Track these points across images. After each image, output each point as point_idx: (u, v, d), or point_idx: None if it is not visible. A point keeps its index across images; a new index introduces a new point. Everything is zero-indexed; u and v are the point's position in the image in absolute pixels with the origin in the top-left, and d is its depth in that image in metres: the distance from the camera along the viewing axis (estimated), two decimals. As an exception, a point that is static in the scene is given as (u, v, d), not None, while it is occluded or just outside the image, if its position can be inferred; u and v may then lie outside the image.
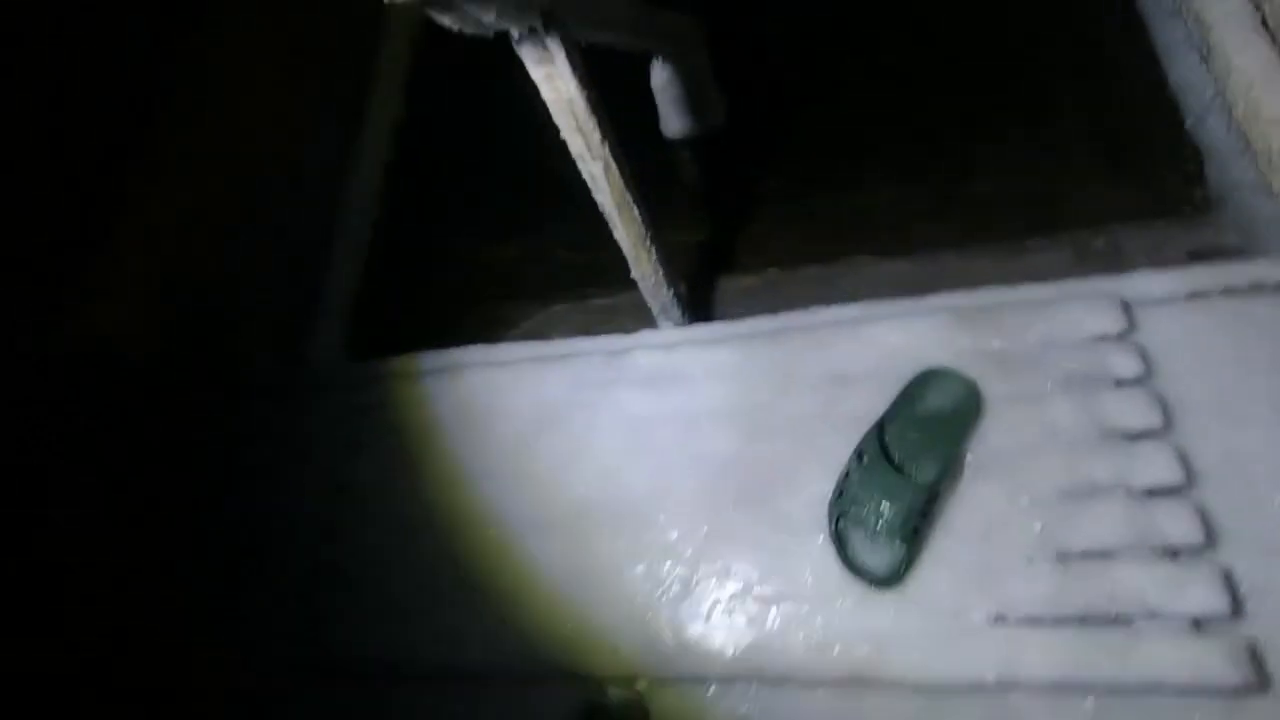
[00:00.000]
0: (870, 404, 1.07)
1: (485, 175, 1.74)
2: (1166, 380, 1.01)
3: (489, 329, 1.53)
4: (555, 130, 0.98)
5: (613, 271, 1.24)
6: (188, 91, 1.36)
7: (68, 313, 1.17)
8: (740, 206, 1.57)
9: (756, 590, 1.01)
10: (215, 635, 1.21)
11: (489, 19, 0.78)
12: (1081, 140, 1.43)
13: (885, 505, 0.95)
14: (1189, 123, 1.33)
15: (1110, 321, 1.04)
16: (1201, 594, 0.87)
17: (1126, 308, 1.06)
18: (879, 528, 0.95)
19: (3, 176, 1.11)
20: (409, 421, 1.30)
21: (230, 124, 1.45)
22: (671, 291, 1.23)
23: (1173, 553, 0.91)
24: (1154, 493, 0.94)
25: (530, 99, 0.96)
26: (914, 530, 0.95)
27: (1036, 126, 1.46)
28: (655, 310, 1.28)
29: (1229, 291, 1.05)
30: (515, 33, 0.86)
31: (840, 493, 1.01)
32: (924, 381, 1.06)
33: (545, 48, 0.87)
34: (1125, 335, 1.04)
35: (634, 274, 1.20)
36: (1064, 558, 0.93)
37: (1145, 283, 1.08)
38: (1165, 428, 0.97)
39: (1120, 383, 1.01)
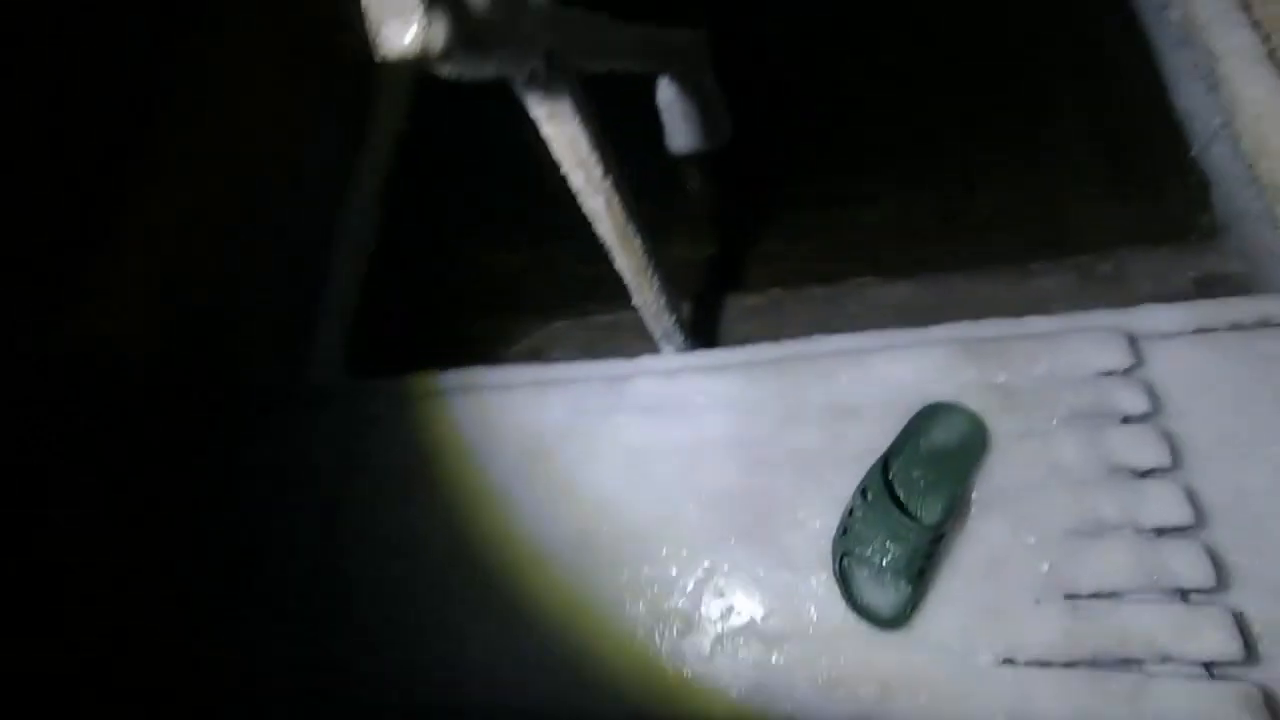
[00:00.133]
0: (874, 437, 1.06)
1: (490, 184, 1.72)
2: (1174, 417, 1.00)
3: (489, 344, 1.52)
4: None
5: (616, 286, 1.21)
6: (188, 91, 1.35)
7: (68, 313, 1.16)
8: (744, 222, 1.56)
9: (760, 629, 1.00)
10: (215, 635, 1.19)
11: (489, 70, 0.77)
12: (1083, 147, 1.44)
13: (890, 546, 0.94)
14: (1195, 150, 1.33)
15: (1117, 356, 1.03)
16: (1214, 638, 0.86)
17: (1133, 341, 1.04)
18: (884, 567, 0.94)
19: (3, 176, 1.09)
20: (405, 443, 1.28)
21: (230, 124, 1.44)
22: (674, 318, 1.21)
23: (1183, 594, 0.90)
24: (1163, 532, 0.93)
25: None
26: (920, 571, 0.93)
27: (1038, 142, 1.47)
28: (657, 335, 1.26)
29: (1236, 326, 1.04)
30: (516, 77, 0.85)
31: (844, 530, 0.99)
32: (929, 415, 1.04)
33: (546, 88, 0.85)
34: (1132, 370, 1.03)
35: (635, 301, 1.18)
36: (1073, 598, 0.92)
37: (1152, 317, 1.07)
38: (1173, 465, 0.96)
39: (1127, 419, 1.00)
